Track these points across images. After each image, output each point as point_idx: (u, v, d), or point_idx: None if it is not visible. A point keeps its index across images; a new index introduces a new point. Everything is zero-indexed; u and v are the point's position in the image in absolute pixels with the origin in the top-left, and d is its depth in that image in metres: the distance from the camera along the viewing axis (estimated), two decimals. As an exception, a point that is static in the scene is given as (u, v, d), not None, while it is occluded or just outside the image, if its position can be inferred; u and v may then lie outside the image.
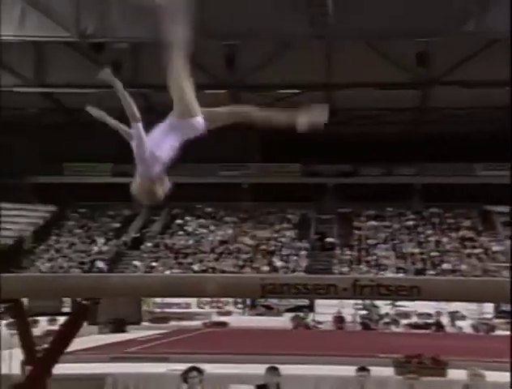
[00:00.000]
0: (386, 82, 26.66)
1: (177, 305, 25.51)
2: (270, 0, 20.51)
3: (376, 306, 23.35)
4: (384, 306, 23.45)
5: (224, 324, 22.96)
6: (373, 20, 20.97)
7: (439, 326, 22.04)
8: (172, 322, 23.35)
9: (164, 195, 4.82)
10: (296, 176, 34.39)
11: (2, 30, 22.48)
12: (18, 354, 5.84)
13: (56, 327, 15.62)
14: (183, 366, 8.58)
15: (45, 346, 5.35)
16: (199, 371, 8.06)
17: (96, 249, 31.23)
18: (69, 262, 30.09)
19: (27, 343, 5.20)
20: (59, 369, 5.38)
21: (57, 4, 21.93)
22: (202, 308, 26.11)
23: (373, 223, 32.99)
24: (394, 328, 22.49)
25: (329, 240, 31.84)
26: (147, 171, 4.84)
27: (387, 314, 23.49)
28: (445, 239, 31.12)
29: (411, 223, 32.90)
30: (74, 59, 26.29)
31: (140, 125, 4.66)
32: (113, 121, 4.81)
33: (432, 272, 27.93)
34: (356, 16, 20.99)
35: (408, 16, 20.91)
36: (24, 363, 5.46)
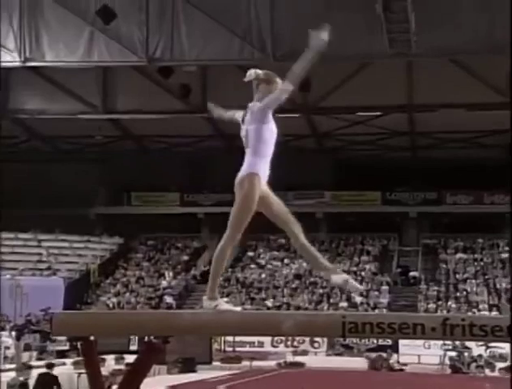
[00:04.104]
0: (473, 102, 26.25)
1: (250, 343, 25.47)
2: (342, 20, 20.56)
3: (467, 347, 22.74)
4: (476, 348, 22.81)
5: (300, 364, 22.79)
6: (458, 36, 20.74)
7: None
8: (245, 362, 23.30)
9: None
10: (377, 204, 34.02)
11: (70, 56, 23.32)
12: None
13: (123, 366, 15.87)
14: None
15: (114, 387, 5.42)
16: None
17: (164, 283, 31.61)
18: (136, 297, 30.55)
19: (97, 383, 5.28)
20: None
21: (125, 28, 22.60)
22: (276, 347, 25.99)
23: (462, 255, 32.27)
24: (488, 372, 21.82)
25: (413, 274, 31.30)
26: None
27: (480, 357, 22.82)
28: (543, 273, 30.12)
29: (504, 255, 32.01)
30: (143, 84, 26.94)
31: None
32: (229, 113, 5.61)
33: (529, 310, 27.02)
34: (441, 33, 20.81)
35: (496, 30, 20.59)
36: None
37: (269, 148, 5.49)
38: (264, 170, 5.49)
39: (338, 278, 5.42)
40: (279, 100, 5.35)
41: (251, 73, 5.52)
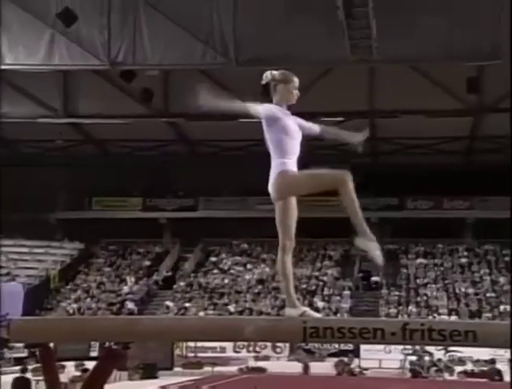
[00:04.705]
0: (433, 109, 26.59)
1: (212, 349, 25.42)
2: (305, 24, 20.67)
3: (427, 352, 22.98)
4: (436, 352, 23.07)
5: (261, 370, 22.80)
6: (418, 43, 20.99)
7: (498, 374, 21.55)
8: (207, 368, 23.26)
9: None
10: (339, 209, 34.13)
11: (30, 59, 23.03)
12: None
13: (83, 373, 15.70)
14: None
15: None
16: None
17: (125, 288, 31.40)
18: (97, 302, 30.28)
19: (55, 390, 5.22)
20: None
21: (87, 31, 22.42)
22: (238, 352, 25.98)
23: (423, 260, 32.62)
24: (447, 376, 22.07)
25: (374, 279, 31.55)
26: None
27: (440, 361, 23.08)
28: (502, 279, 30.56)
29: (464, 260, 32.44)
30: (104, 88, 26.75)
31: None
32: (227, 105, 5.66)
33: (488, 315, 27.41)
34: (402, 40, 21.03)
35: (458, 39, 20.88)
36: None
37: (289, 146, 5.47)
38: (293, 167, 5.46)
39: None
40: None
41: (267, 75, 5.55)
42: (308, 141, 5.72)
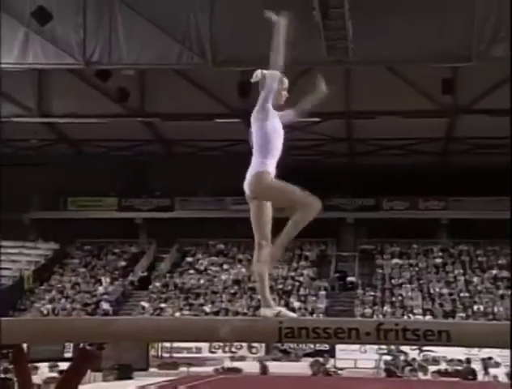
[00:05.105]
0: (409, 110, 26.74)
1: (188, 349, 25.38)
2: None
3: (401, 351, 23.12)
4: (410, 352, 23.22)
5: (237, 370, 22.80)
6: (394, 45, 21.12)
7: (472, 373, 21.73)
8: (182, 368, 23.22)
9: None
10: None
11: (3, 58, 22.82)
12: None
13: (57, 374, 15.61)
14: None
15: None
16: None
17: (101, 289, 31.23)
18: (72, 303, 30.09)
19: (28, 391, 5.18)
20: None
21: (62, 30, 22.26)
22: (214, 353, 25.96)
23: (398, 261, 32.81)
24: (421, 375, 22.22)
25: (350, 279, 31.68)
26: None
27: (414, 360, 23.24)
28: (475, 279, 30.85)
29: (438, 261, 32.68)
30: (79, 87, 26.58)
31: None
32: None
33: (462, 315, 27.65)
34: (377, 41, 21.14)
35: (433, 41, 21.03)
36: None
37: (274, 147, 5.48)
38: (272, 169, 5.44)
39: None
40: (273, 89, 5.37)
41: (257, 74, 5.51)
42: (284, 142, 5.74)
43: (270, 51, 5.32)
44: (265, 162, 5.42)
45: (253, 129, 5.48)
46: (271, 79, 5.38)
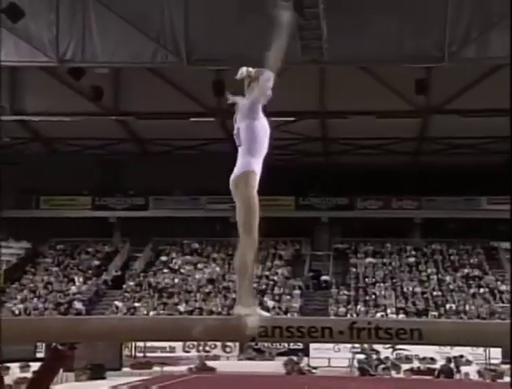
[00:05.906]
0: (383, 110, 26.90)
1: (161, 349, 25.30)
2: (258, 24, 20.69)
3: (375, 350, 23.24)
4: (383, 350, 23.35)
5: (211, 369, 22.78)
6: (368, 45, 21.22)
7: (450, 373, 21.78)
8: (156, 368, 23.15)
9: None
10: (291, 209, 34.34)
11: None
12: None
13: (28, 374, 15.47)
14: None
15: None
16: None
17: (73, 289, 31.03)
18: (44, 303, 29.85)
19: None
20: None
21: (35, 27, 22.06)
22: (187, 352, 25.90)
23: (371, 260, 32.99)
24: (394, 374, 22.37)
25: (324, 278, 31.80)
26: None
27: (387, 359, 23.38)
28: (448, 277, 31.12)
29: (411, 260, 32.91)
30: (52, 85, 26.37)
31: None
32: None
33: (434, 313, 27.87)
34: (352, 41, 21.23)
35: (407, 41, 21.17)
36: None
37: (262, 146, 5.44)
38: (258, 168, 5.42)
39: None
40: (266, 90, 5.33)
41: (242, 71, 5.46)
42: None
43: (270, 49, 5.26)
44: (251, 162, 5.41)
45: (241, 127, 5.44)
46: (265, 81, 5.35)
